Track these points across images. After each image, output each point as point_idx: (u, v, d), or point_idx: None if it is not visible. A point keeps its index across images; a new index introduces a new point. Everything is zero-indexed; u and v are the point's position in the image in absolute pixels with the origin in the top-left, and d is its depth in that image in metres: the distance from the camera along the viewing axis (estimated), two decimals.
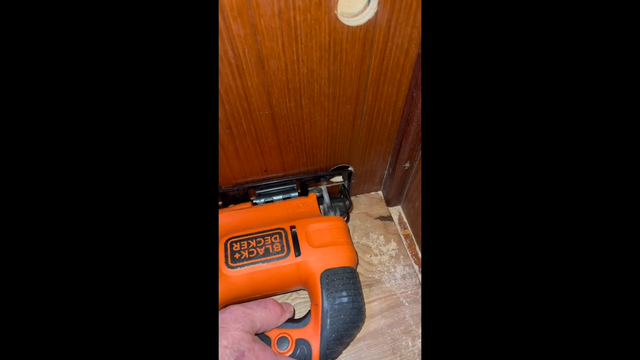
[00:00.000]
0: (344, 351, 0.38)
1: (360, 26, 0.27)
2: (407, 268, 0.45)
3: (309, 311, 0.36)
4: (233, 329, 0.30)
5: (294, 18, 0.25)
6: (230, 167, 0.38)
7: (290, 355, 0.33)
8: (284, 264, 0.34)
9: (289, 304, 0.36)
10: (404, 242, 0.48)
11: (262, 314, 0.33)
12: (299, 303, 0.41)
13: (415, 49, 0.31)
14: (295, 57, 0.28)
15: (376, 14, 0.27)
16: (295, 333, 0.34)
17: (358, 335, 0.38)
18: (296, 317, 0.38)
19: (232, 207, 0.41)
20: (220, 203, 0.42)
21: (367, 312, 0.40)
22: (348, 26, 0.27)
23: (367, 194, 0.53)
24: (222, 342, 0.29)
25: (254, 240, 0.35)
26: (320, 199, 0.44)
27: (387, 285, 0.44)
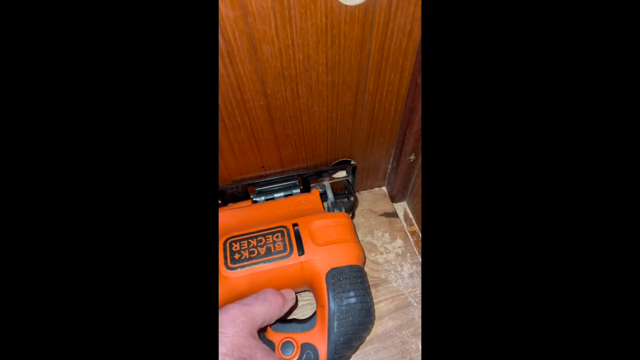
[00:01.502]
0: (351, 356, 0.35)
1: (358, 5, 0.25)
2: (414, 266, 0.43)
3: (314, 313, 0.34)
4: (231, 334, 0.27)
5: None
6: (225, 164, 0.36)
7: None
8: (287, 264, 0.32)
9: (291, 290, 0.33)
10: (411, 240, 0.46)
11: (262, 308, 0.30)
12: (302, 305, 0.39)
13: (418, 30, 0.29)
14: (290, 42, 0.26)
15: None
16: (300, 337, 0.32)
17: (365, 339, 0.36)
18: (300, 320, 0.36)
19: (231, 205, 0.39)
20: (219, 202, 0.41)
21: (375, 314, 0.38)
22: (346, 5, 0.25)
23: (370, 190, 0.51)
24: (221, 349, 0.26)
25: (255, 239, 0.33)
26: (323, 196, 0.42)
27: (394, 284, 0.42)
